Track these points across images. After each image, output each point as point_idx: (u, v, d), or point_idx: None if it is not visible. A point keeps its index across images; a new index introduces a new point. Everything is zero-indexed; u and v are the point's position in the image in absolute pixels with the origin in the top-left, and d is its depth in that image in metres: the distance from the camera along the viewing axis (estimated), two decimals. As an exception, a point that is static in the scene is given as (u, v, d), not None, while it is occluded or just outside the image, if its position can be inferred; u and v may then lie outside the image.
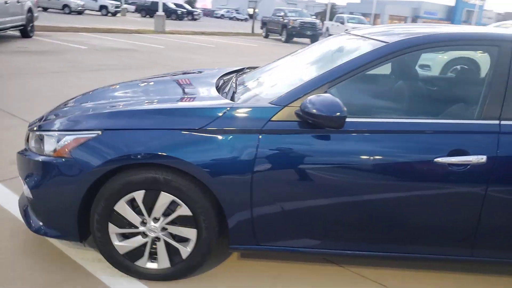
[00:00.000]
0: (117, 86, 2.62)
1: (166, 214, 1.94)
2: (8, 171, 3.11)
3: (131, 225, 1.97)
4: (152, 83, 2.67)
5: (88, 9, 29.80)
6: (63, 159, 1.89)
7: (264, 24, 21.98)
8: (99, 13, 30.64)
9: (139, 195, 1.90)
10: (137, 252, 2.02)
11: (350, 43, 2.36)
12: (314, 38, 19.71)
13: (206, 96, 2.21)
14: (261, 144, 1.82)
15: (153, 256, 2.03)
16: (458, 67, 3.91)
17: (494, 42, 1.93)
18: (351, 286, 2.12)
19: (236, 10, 62.06)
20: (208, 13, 61.22)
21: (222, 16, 59.43)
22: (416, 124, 1.87)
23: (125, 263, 2.03)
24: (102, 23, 20.57)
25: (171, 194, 1.88)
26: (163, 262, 2.02)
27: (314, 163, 1.82)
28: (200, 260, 2.02)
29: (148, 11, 34.18)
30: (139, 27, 19.80)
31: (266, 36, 21.79)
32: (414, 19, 57.55)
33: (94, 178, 1.86)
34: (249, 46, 15.89)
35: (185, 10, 35.46)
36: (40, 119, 2.21)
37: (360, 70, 1.89)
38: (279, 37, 20.66)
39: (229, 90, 2.32)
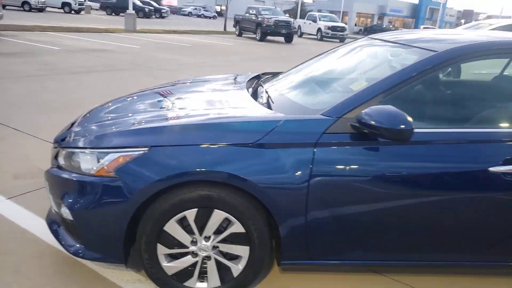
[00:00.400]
0: (146, 96, 2.50)
1: (217, 232, 1.87)
2: (14, 186, 2.90)
3: (181, 245, 1.88)
4: (178, 93, 2.56)
5: (49, 6, 28.50)
6: (108, 179, 1.78)
7: (237, 22, 21.81)
8: (61, 10, 29.38)
9: (190, 214, 1.81)
10: (186, 272, 1.93)
11: (389, 50, 2.34)
12: (288, 37, 19.83)
13: (250, 108, 2.12)
14: (316, 158, 1.77)
15: (201, 276, 1.95)
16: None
17: None
18: (398, 294, 2.13)
19: (204, 8, 61.31)
20: (175, 11, 60.16)
21: (189, 14, 58.52)
22: (474, 133, 1.85)
23: (173, 284, 1.94)
24: (67, 21, 19.79)
25: (224, 211, 1.81)
26: (213, 281, 1.94)
27: (373, 175, 1.78)
28: (252, 278, 1.96)
29: (113, 8, 33.16)
30: (108, 25, 19.18)
31: (240, 35, 21.65)
32: (381, 17, 59.00)
33: (144, 198, 1.76)
34: (225, 45, 15.74)
35: (152, 8, 34.62)
36: (67, 135, 2.06)
37: (414, 79, 1.86)
38: (253, 36, 20.60)
39: (266, 100, 2.26)
